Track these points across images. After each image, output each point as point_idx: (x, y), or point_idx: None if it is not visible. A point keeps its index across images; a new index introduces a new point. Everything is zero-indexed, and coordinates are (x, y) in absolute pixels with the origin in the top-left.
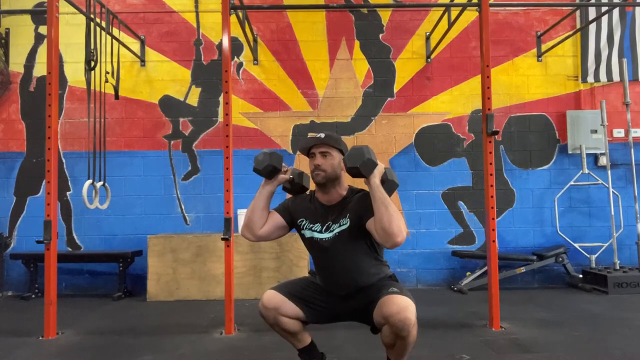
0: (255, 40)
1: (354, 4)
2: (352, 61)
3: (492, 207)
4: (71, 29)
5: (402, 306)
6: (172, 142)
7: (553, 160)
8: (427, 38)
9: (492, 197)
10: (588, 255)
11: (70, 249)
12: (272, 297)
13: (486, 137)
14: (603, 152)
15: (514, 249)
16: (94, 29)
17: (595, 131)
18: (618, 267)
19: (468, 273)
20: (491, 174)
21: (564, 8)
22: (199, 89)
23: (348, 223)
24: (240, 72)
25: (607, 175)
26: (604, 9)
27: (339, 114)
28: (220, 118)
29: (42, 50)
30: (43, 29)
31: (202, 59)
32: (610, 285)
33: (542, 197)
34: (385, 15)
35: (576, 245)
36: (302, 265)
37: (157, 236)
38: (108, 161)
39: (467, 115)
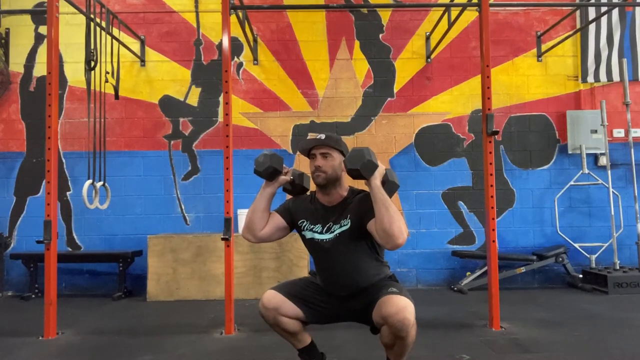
0: (255, 40)
1: (354, 4)
2: (352, 61)
3: (492, 207)
4: (71, 29)
5: (400, 307)
6: (172, 142)
7: (553, 160)
8: (427, 38)
9: (492, 197)
10: (588, 255)
11: (70, 249)
12: (272, 298)
13: (486, 137)
14: (603, 152)
15: (514, 249)
16: (94, 29)
17: (595, 131)
18: (618, 267)
19: (468, 273)
20: (491, 174)
21: (564, 8)
22: (199, 89)
23: (349, 224)
24: (240, 72)
25: (607, 175)
26: (603, 9)
27: (339, 114)
28: (220, 118)
29: (42, 50)
30: (43, 29)
31: (202, 59)
32: (610, 285)
33: (542, 197)
34: (385, 15)
35: (576, 245)
36: (302, 265)
37: (157, 236)
38: (108, 161)
39: (467, 115)
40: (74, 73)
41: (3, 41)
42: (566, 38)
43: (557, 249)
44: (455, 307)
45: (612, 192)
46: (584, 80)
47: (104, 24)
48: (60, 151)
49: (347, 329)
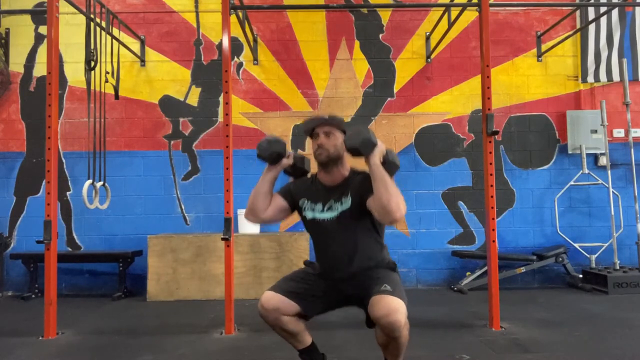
0: (255, 40)
1: (354, 4)
2: (352, 61)
3: (492, 207)
4: (71, 29)
5: (392, 308)
6: (172, 142)
7: (553, 160)
8: (427, 38)
9: (492, 197)
10: (588, 255)
11: (70, 249)
12: (271, 298)
13: (486, 137)
14: (603, 152)
15: (514, 249)
16: (94, 29)
17: (595, 131)
18: (618, 267)
19: (468, 273)
20: (491, 174)
21: (564, 8)
22: (199, 89)
23: (350, 202)
24: (240, 72)
25: (607, 175)
26: (603, 9)
27: (339, 114)
28: (220, 118)
29: (42, 50)
30: (43, 29)
31: (202, 59)
32: (610, 285)
33: (542, 197)
34: (385, 15)
35: (576, 245)
36: (302, 265)
37: (157, 236)
38: (108, 161)
39: (467, 115)
40: (74, 73)
41: (3, 41)
42: (566, 38)
43: (557, 249)
44: (455, 307)
45: (612, 192)
46: (584, 80)
47: (104, 24)
48: (60, 151)
49: (347, 329)
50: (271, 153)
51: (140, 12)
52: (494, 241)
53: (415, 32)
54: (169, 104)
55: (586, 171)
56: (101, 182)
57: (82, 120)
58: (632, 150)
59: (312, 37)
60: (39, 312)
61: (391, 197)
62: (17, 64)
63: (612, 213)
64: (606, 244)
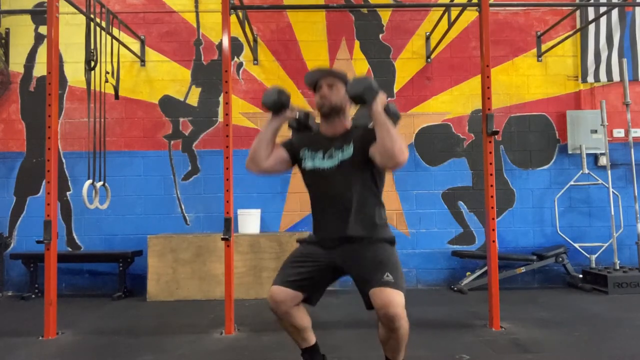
0: (255, 40)
1: (354, 4)
2: (352, 61)
3: (492, 207)
4: (71, 29)
5: (392, 302)
6: (172, 142)
7: (553, 160)
8: (427, 38)
9: (492, 197)
10: (588, 255)
11: (70, 249)
12: (280, 292)
13: (486, 137)
14: (603, 152)
15: (514, 249)
16: (94, 29)
17: (595, 131)
18: (618, 267)
19: (468, 273)
20: (491, 174)
21: (564, 8)
22: (199, 89)
23: (352, 151)
24: (240, 72)
25: (607, 175)
26: (603, 9)
27: None
28: (220, 118)
29: (42, 50)
30: (43, 29)
31: (202, 59)
32: (610, 285)
33: (542, 197)
34: (385, 15)
35: (576, 245)
36: None
37: (157, 236)
38: (108, 161)
39: (467, 115)
40: (74, 73)
41: (3, 41)
42: (566, 38)
43: (557, 249)
44: (455, 307)
45: (612, 192)
46: (584, 80)
47: (104, 24)
48: (60, 151)
49: (347, 329)
50: (275, 101)
51: (140, 12)
52: (494, 241)
53: (415, 32)
54: (169, 104)
55: (586, 171)
56: (101, 182)
57: (82, 120)
58: (632, 150)
59: (312, 37)
60: (39, 312)
61: (395, 141)
62: (17, 64)
63: (612, 213)
64: (606, 244)
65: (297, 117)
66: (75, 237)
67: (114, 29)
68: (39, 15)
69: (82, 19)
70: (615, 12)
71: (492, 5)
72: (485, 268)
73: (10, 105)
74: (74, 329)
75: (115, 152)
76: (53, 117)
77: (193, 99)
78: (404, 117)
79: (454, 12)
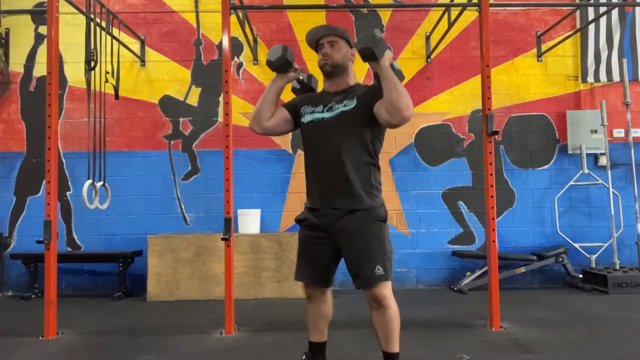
0: (255, 40)
1: (354, 4)
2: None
3: (492, 207)
4: (71, 29)
5: (380, 292)
6: (172, 142)
7: (553, 160)
8: (427, 38)
9: (492, 197)
10: (588, 255)
11: (70, 249)
12: (312, 291)
13: (486, 137)
14: (603, 152)
15: (514, 249)
16: (94, 29)
17: (595, 131)
18: (618, 267)
19: (468, 273)
20: (491, 174)
21: (564, 8)
22: (199, 89)
23: (353, 105)
24: (240, 72)
25: (607, 175)
26: (603, 9)
27: None
28: (220, 118)
29: (42, 50)
30: (43, 29)
31: (202, 59)
32: (610, 285)
33: (542, 197)
34: (385, 15)
35: (576, 245)
36: None
37: (157, 236)
38: (108, 161)
39: (467, 115)
40: (74, 73)
41: (3, 41)
42: (566, 38)
43: (557, 249)
44: (455, 307)
45: (612, 192)
46: (584, 80)
47: (104, 24)
48: (60, 151)
49: (347, 329)
50: (279, 59)
51: (140, 12)
52: (494, 241)
53: (415, 32)
54: (169, 104)
55: (586, 171)
56: (101, 182)
57: (82, 120)
58: (632, 150)
59: None
60: (39, 312)
61: (401, 95)
62: (17, 64)
63: (612, 213)
64: (606, 244)
65: (300, 78)
66: (75, 237)
67: (114, 29)
68: (39, 15)
69: (82, 19)
70: (615, 12)
71: (492, 5)
72: (485, 268)
73: (10, 105)
74: (74, 329)
75: (115, 152)
76: (53, 117)
77: (193, 99)
78: None
79: (454, 12)
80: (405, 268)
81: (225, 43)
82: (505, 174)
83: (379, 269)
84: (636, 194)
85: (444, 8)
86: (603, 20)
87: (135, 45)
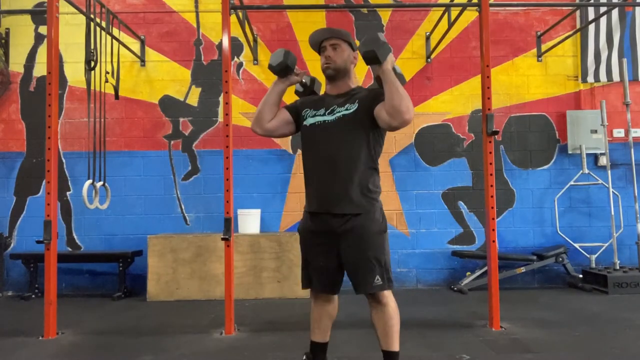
0: (255, 40)
1: (354, 4)
2: None
3: (492, 207)
4: (71, 29)
5: (380, 300)
6: (172, 142)
7: (553, 160)
8: (427, 38)
9: (492, 197)
10: (588, 255)
11: (70, 249)
12: (320, 294)
13: (486, 137)
14: (603, 152)
15: (514, 249)
16: (94, 29)
17: (595, 131)
18: (618, 267)
19: (468, 273)
20: (491, 174)
21: (564, 8)
22: (199, 89)
23: (355, 108)
24: (240, 72)
25: (607, 175)
26: (603, 9)
27: None
28: (220, 118)
29: (42, 50)
30: (43, 29)
31: (202, 59)
32: (610, 285)
33: (542, 197)
34: (385, 15)
35: (576, 245)
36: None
37: (157, 236)
38: (108, 161)
39: (467, 115)
40: (74, 73)
41: (3, 41)
42: (566, 38)
43: (557, 249)
44: (455, 307)
45: (612, 192)
46: (584, 80)
47: (104, 24)
48: (60, 151)
49: (347, 329)
50: (280, 63)
51: (140, 12)
52: (494, 241)
53: (415, 32)
54: (169, 104)
55: (586, 171)
56: (101, 182)
57: (82, 120)
58: (632, 150)
59: None
60: (39, 312)
61: (402, 98)
62: (17, 64)
63: (612, 213)
64: (606, 244)
65: (303, 81)
66: (75, 237)
67: (114, 29)
68: (39, 15)
69: (82, 19)
70: (615, 12)
71: (492, 5)
72: (485, 268)
73: (10, 105)
74: (74, 329)
75: (115, 152)
76: (53, 117)
77: (193, 99)
78: None
79: (454, 12)
80: (405, 268)
81: (225, 43)
82: (505, 174)
83: (377, 280)
84: (636, 194)
85: (444, 8)
86: (603, 20)
87: (135, 45)
